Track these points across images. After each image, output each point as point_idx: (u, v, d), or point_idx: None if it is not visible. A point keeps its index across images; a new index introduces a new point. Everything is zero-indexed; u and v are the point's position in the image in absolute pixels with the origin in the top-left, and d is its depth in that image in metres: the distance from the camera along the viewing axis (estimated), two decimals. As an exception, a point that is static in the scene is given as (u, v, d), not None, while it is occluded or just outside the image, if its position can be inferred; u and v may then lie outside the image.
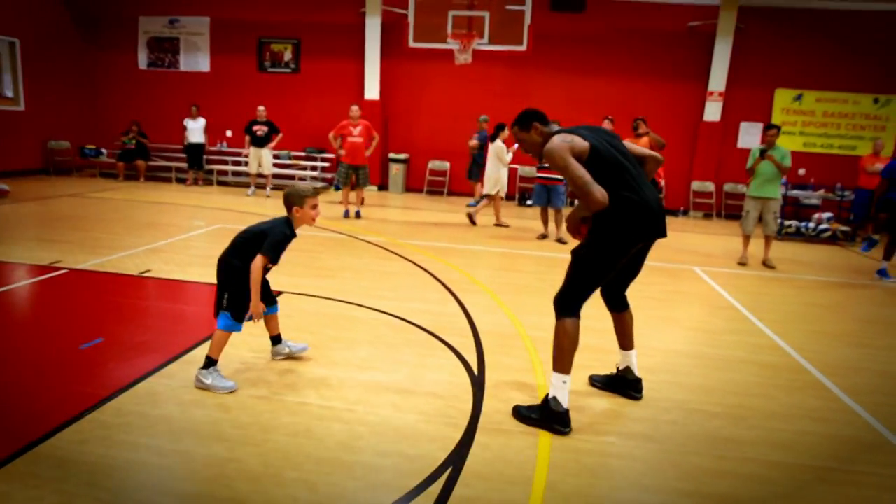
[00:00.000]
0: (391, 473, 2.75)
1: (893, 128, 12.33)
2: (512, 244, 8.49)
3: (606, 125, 10.14)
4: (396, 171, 13.40)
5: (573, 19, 12.07)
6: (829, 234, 10.49)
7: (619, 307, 3.65)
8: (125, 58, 14.37)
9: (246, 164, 12.28)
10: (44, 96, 13.13)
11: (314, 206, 3.60)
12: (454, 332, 4.61)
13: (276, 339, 3.92)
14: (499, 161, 9.51)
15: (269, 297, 3.73)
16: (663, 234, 3.25)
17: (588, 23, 12.36)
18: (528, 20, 10.13)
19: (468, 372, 3.90)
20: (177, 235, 7.66)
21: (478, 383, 3.75)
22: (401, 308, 5.08)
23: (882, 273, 7.67)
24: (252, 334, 4.06)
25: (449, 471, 2.78)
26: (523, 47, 10.26)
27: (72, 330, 4.31)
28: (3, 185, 9.55)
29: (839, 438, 3.36)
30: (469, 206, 10.27)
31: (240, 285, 3.45)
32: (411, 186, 13.71)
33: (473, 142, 11.24)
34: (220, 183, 13.38)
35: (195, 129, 12.87)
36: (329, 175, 13.30)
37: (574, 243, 3.43)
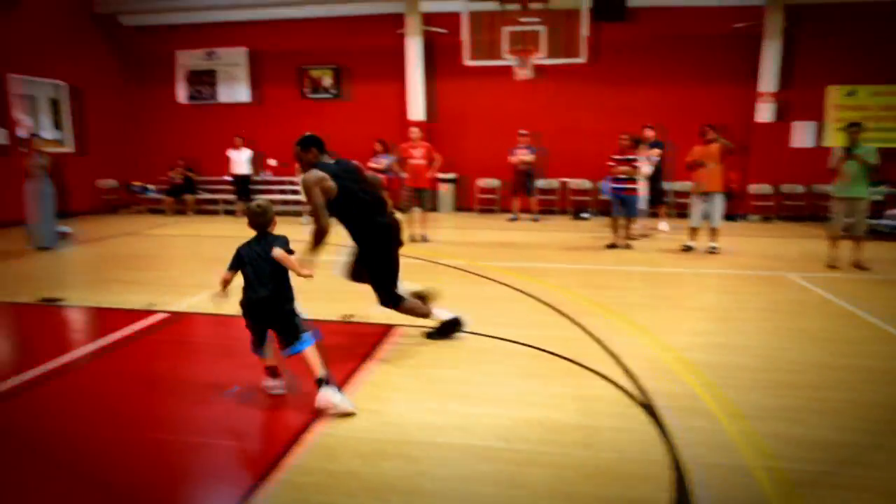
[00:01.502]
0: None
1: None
2: (588, 258, 8.29)
3: (648, 133, 10.00)
4: (445, 190, 13.23)
5: (616, 28, 11.94)
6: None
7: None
8: (165, 93, 14.40)
9: (296, 192, 12.17)
10: (90, 137, 13.15)
11: None
12: (593, 358, 4.39)
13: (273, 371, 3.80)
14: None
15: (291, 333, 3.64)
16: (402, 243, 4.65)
17: (632, 31, 12.20)
18: (585, 31, 9.99)
19: (633, 400, 3.68)
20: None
21: (649, 411, 3.52)
22: (523, 335, 4.87)
23: None
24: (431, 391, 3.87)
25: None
26: (583, 59, 10.11)
27: (204, 377, 4.14)
28: (65, 228, 9.46)
29: None
30: (511, 219, 10.11)
31: (293, 307, 3.70)
32: (461, 206, 13.54)
33: (528, 156, 11.09)
34: (277, 213, 13.23)
35: (240, 161, 12.80)
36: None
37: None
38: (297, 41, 13.61)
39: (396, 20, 12.91)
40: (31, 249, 8.96)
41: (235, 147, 12.79)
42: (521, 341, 4.74)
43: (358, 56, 13.47)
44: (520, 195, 11.84)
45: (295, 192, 12.62)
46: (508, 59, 10.26)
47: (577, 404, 3.65)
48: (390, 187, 12.20)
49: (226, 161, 13.02)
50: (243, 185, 12.88)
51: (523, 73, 10.16)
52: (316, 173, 4.22)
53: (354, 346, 4.67)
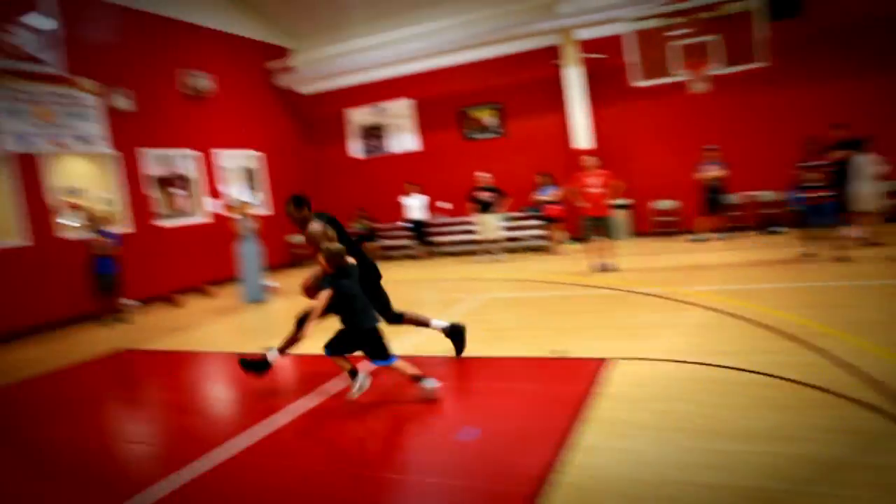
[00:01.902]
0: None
1: None
2: (800, 275, 7.62)
3: (838, 133, 9.08)
4: (617, 216, 12.90)
5: (791, 25, 11.05)
6: None
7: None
8: (339, 149, 15.57)
9: (473, 231, 12.50)
10: (279, 197, 14.46)
11: None
12: (846, 385, 3.97)
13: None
14: (865, 176, 8.72)
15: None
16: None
17: (807, 25, 11.20)
18: (760, 33, 9.39)
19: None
20: (449, 310, 7.74)
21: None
22: (752, 362, 4.53)
23: None
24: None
25: None
26: (762, 63, 9.50)
27: (433, 417, 4.29)
28: (271, 282, 10.41)
29: None
30: (694, 240, 9.50)
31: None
32: (636, 230, 13.11)
33: (718, 172, 10.54)
34: (448, 253, 13.72)
35: (414, 206, 13.40)
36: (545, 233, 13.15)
37: None
38: (456, 85, 14.13)
39: (551, 51, 12.99)
40: (244, 304, 9.97)
41: (408, 194, 13.43)
42: (755, 369, 4.41)
43: (515, 91, 13.70)
44: (708, 213, 11.20)
45: (469, 232, 12.93)
46: (679, 75, 9.88)
47: (849, 438, 3.31)
48: (558, 217, 12.20)
49: (401, 208, 13.71)
50: (420, 230, 13.45)
51: (696, 87, 9.72)
52: (318, 223, 5.03)
53: (572, 382, 4.61)
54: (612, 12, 11.41)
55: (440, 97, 14.38)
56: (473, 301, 8.22)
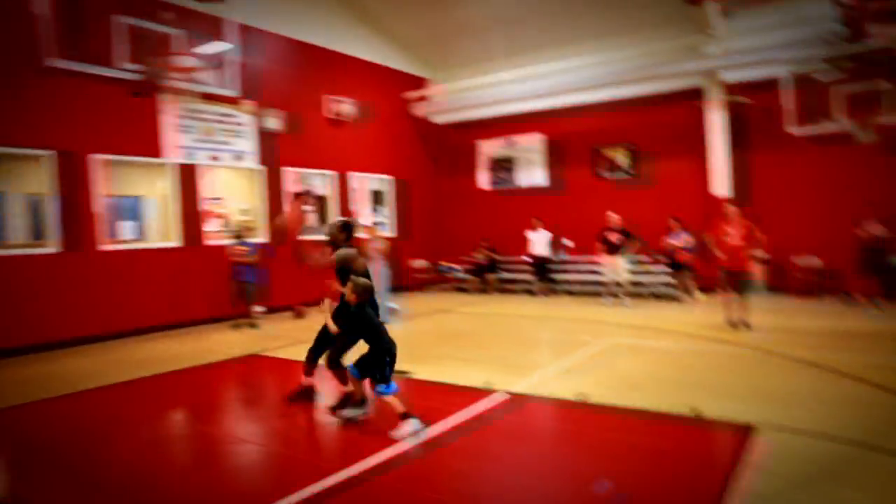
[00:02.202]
0: None
1: None
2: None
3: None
4: (755, 270, 12.09)
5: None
6: None
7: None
8: (469, 180, 15.78)
9: (597, 272, 12.18)
10: (405, 222, 14.81)
11: None
12: None
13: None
14: None
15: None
16: None
17: None
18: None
19: None
20: (574, 352, 7.51)
21: None
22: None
23: None
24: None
25: None
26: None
27: (567, 468, 4.11)
28: (394, 304, 10.61)
29: None
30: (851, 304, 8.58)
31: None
32: (773, 286, 12.22)
33: (883, 231, 9.59)
34: (568, 293, 13.44)
35: (538, 242, 13.27)
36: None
37: None
38: (591, 123, 13.95)
39: (693, 93, 12.52)
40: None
41: (533, 229, 13.32)
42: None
43: (651, 132, 13.30)
44: (867, 275, 10.13)
45: (593, 273, 12.61)
46: (841, 123, 9.18)
47: None
48: (688, 265, 11.60)
49: (524, 242, 13.63)
50: (542, 266, 13.29)
51: (861, 137, 8.98)
52: (351, 251, 5.36)
53: (717, 447, 4.27)
54: (768, 53, 10.86)
55: (573, 134, 14.24)
56: (598, 345, 7.93)
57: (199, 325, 10.40)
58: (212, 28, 8.88)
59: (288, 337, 9.25)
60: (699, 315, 10.05)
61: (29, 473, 4.34)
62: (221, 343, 8.96)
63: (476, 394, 5.84)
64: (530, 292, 13.74)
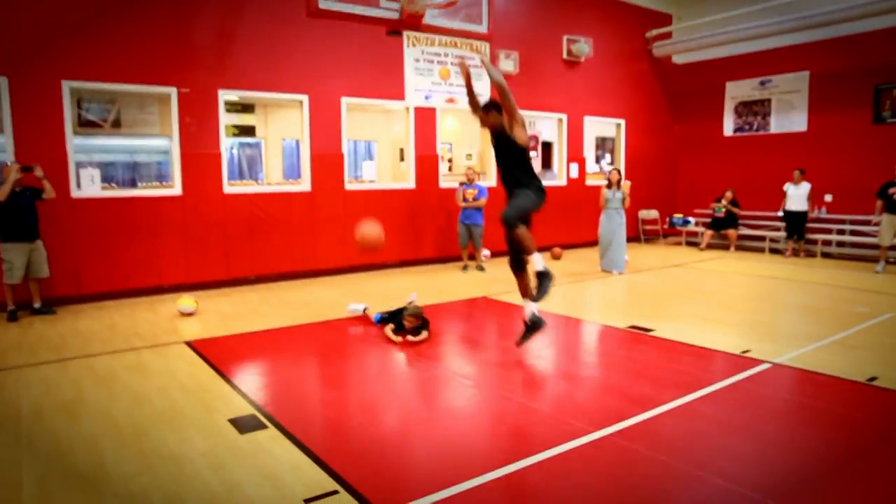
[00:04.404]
0: None
1: None
2: None
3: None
4: None
5: None
6: None
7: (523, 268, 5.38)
8: (710, 126, 14.30)
9: (857, 232, 10.42)
10: (633, 169, 13.85)
11: None
12: None
13: None
14: None
15: None
16: None
17: None
18: None
19: None
20: (849, 324, 6.41)
21: None
22: None
23: None
24: None
25: None
26: None
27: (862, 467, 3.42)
28: (626, 256, 10.05)
29: None
30: None
31: None
32: None
33: None
34: (824, 255, 11.73)
35: (796, 196, 11.61)
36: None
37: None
38: (872, 56, 11.68)
39: None
40: (602, 271, 9.86)
41: (794, 181, 11.66)
42: None
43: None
44: None
45: (856, 234, 10.81)
46: None
47: None
48: None
49: (774, 195, 12.08)
50: (798, 223, 11.64)
51: None
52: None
53: None
54: None
55: (846, 70, 12.09)
56: (880, 319, 6.70)
57: (428, 264, 10.78)
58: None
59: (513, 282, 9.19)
60: None
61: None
62: (451, 283, 9.15)
63: (734, 361, 5.23)
64: (776, 251, 12.22)
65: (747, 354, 5.37)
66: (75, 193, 7.63)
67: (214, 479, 3.20)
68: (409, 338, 5.87)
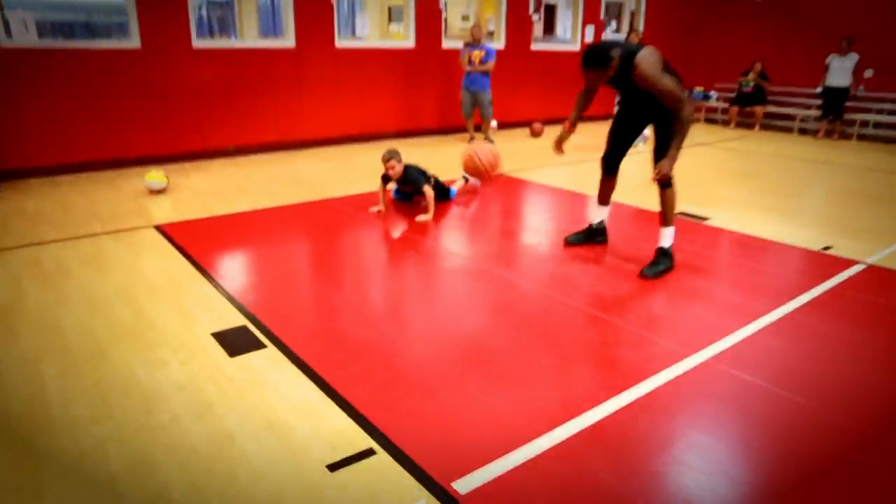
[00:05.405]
0: None
1: None
2: None
3: None
4: None
5: None
6: None
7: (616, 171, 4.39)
8: (740, -11, 12.75)
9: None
10: (653, 40, 12.45)
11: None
12: None
13: None
14: None
15: None
16: None
17: None
18: None
19: None
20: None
21: None
22: None
23: None
24: None
25: None
26: None
27: None
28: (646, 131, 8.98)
29: None
30: None
31: None
32: None
33: None
34: (860, 137, 10.73)
35: (841, 69, 10.33)
36: None
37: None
38: None
39: None
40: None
41: (840, 52, 10.36)
42: None
43: None
44: None
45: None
46: None
47: None
48: None
49: (813, 69, 10.85)
50: (838, 100, 10.42)
51: None
52: (651, 52, 3.98)
53: None
54: None
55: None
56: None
57: (428, 135, 9.65)
58: None
59: (526, 157, 8.17)
60: None
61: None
62: (456, 158, 8.07)
63: (819, 260, 4.39)
64: (806, 131, 11.21)
65: (830, 252, 4.53)
66: (3, 42, 6.20)
67: (198, 428, 2.32)
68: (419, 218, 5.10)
